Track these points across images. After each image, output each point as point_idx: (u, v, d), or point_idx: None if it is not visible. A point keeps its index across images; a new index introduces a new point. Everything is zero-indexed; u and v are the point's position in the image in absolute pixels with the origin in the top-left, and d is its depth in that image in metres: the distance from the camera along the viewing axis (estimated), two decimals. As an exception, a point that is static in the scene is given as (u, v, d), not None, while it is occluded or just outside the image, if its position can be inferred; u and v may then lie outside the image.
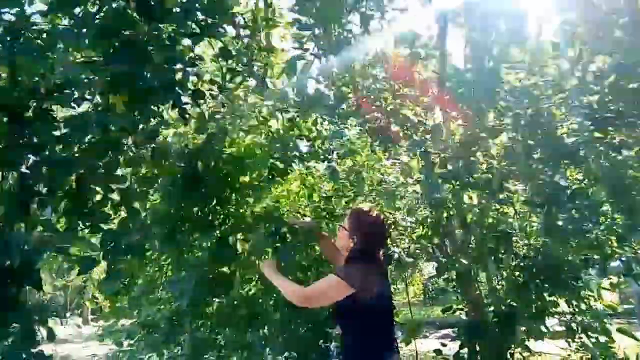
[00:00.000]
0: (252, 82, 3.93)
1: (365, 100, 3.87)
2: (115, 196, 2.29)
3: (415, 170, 3.84)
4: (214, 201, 3.47)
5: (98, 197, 2.19)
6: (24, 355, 1.78)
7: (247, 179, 3.58)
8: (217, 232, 3.49)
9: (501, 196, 3.47)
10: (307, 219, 3.67)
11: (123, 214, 2.37)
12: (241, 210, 3.58)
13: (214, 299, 3.60)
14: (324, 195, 4.12)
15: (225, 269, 3.46)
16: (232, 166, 3.50)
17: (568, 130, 3.44)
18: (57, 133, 1.97)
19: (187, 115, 2.55)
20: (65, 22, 2.02)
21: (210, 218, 3.48)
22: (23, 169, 1.87)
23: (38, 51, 1.75)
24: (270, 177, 3.59)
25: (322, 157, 3.94)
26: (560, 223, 3.25)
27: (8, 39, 1.76)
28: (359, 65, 4.34)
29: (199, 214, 3.46)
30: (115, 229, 2.27)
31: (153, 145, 2.47)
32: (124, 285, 4.08)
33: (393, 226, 4.34)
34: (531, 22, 3.24)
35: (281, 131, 3.82)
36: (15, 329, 1.81)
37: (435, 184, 3.38)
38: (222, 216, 3.57)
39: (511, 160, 3.23)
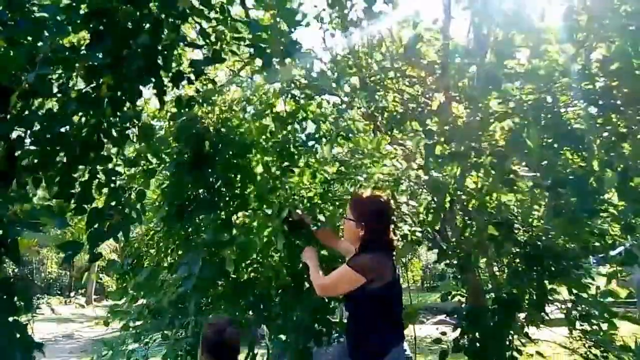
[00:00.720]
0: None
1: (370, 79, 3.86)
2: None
3: (419, 154, 3.83)
4: (220, 182, 3.49)
5: (84, 178, 2.23)
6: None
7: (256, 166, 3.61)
8: (222, 213, 3.52)
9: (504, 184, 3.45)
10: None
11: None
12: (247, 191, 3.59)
13: (218, 282, 3.62)
14: (327, 177, 4.10)
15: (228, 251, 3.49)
16: (239, 149, 3.52)
17: (574, 115, 3.41)
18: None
19: (164, 99, 2.53)
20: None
21: (216, 199, 3.50)
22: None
23: (37, 27, 1.74)
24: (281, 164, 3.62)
25: (326, 139, 3.93)
26: (565, 207, 3.23)
27: (8, 14, 1.76)
28: (364, 45, 4.32)
29: (205, 194, 3.48)
30: (99, 208, 2.28)
31: (138, 125, 2.46)
32: (131, 267, 4.10)
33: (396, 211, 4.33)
34: (535, 6, 3.20)
35: (286, 114, 3.82)
36: None
37: (436, 162, 3.36)
38: (227, 198, 3.59)
39: (516, 145, 3.20)
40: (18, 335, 1.78)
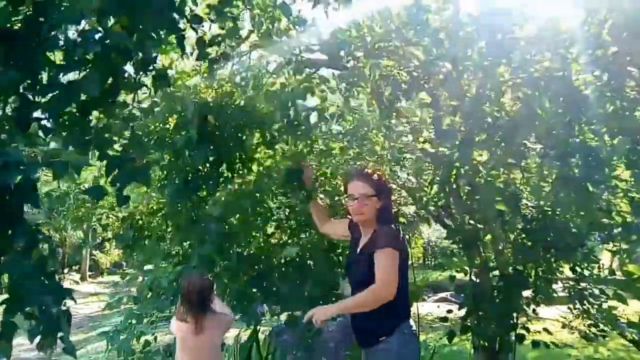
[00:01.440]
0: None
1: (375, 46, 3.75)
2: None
3: (425, 127, 3.74)
4: (224, 157, 3.42)
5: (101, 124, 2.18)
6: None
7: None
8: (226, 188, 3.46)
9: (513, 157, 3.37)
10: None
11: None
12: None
13: (219, 258, 3.56)
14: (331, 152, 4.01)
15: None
16: (242, 121, 3.44)
17: (584, 82, 3.33)
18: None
19: (183, 43, 2.46)
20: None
21: (220, 174, 3.44)
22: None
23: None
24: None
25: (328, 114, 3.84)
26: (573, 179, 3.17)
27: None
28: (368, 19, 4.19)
29: (209, 170, 3.41)
30: (119, 154, 2.26)
31: (153, 72, 2.39)
32: (134, 239, 4.04)
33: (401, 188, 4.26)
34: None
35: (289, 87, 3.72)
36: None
37: (444, 134, 3.29)
38: (229, 175, 3.52)
39: (527, 116, 3.12)
40: (47, 282, 1.83)
